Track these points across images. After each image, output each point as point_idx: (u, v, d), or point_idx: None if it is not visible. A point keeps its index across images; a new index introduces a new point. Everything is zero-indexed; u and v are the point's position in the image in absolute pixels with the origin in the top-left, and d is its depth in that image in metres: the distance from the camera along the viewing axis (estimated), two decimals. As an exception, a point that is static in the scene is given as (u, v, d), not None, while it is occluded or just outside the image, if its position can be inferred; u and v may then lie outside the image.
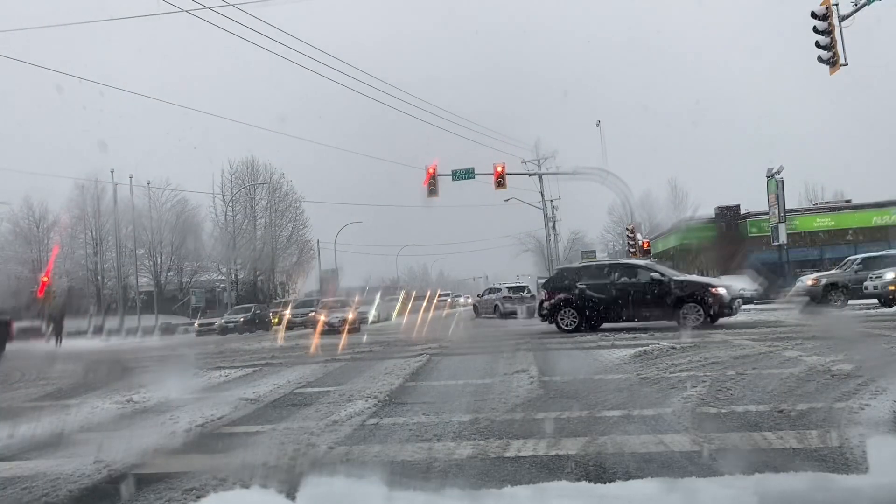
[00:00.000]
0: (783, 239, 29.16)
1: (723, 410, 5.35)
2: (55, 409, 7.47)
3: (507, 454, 4.34)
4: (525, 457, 4.26)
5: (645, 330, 14.45)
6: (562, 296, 15.68)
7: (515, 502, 2.45)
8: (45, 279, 36.42)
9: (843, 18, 14.49)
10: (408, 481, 3.83)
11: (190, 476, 4.22)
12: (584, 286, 15.45)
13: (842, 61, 14.54)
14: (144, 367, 12.65)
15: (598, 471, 3.84)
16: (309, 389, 8.14)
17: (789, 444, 4.18)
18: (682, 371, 7.57)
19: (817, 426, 4.65)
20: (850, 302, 19.93)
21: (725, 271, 31.35)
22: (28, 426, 6.35)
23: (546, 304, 16.02)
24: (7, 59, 23.58)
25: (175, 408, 7.21)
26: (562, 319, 15.61)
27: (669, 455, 4.08)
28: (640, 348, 9.98)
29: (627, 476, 3.54)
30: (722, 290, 14.51)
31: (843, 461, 3.73)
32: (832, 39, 14.64)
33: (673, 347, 9.79)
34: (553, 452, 4.31)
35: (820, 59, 14.91)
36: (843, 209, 37.14)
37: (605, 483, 3.22)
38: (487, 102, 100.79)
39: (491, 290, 35.27)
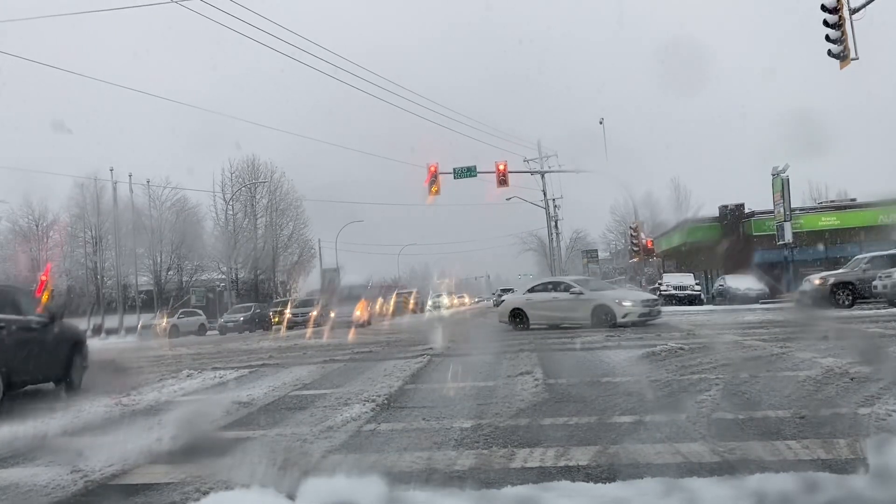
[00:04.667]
0: (789, 238, 28.87)
1: (740, 416, 5.05)
2: (41, 412, 7.20)
3: (513, 465, 4.05)
4: (532, 468, 3.97)
5: (651, 329, 14.17)
6: None
7: (514, 500, 2.26)
8: (44, 278, 36.20)
9: (853, 11, 14.17)
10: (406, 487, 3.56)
11: (171, 487, 3.94)
12: None
13: (853, 55, 14.22)
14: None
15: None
16: (305, 392, 7.85)
17: (817, 455, 3.88)
18: (692, 373, 7.26)
19: (844, 434, 4.35)
20: (859, 301, 19.61)
21: (730, 270, 31.09)
22: (9, 430, 6.08)
23: None
24: (5, 55, 23.28)
25: (165, 411, 6.94)
26: None
27: (688, 466, 3.78)
28: (648, 349, 9.69)
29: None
30: None
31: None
32: (843, 33, 14.33)
33: (681, 348, 9.49)
34: (562, 463, 4.02)
35: (830, 53, 14.60)
36: (848, 208, 36.81)
37: (605, 483, 3.00)
38: (490, 101, 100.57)
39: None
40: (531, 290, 18.49)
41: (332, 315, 22.61)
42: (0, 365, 8.08)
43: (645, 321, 15.89)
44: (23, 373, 8.72)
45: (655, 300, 17.88)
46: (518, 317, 17.66)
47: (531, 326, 17.19)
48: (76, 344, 10.32)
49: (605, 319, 15.66)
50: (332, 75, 76.69)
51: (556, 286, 17.89)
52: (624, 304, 15.99)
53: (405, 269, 78.15)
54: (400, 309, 39.31)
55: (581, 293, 16.75)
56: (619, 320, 15.51)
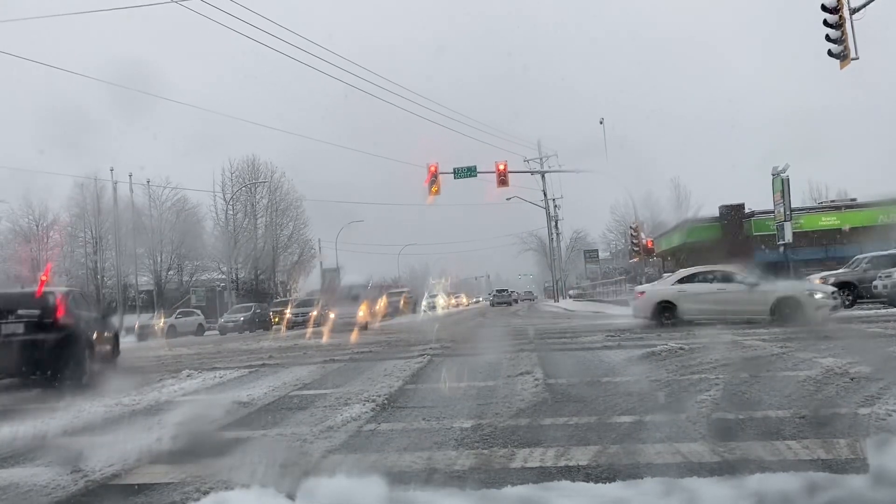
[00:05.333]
0: (789, 238, 28.80)
1: (740, 416, 5.06)
2: (41, 412, 7.20)
3: (513, 465, 4.05)
4: (532, 468, 3.98)
5: (651, 329, 14.18)
6: None
7: (514, 500, 2.28)
8: (45, 278, 36.17)
9: (853, 11, 14.17)
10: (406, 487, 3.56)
11: (172, 487, 3.95)
12: None
13: (853, 55, 14.22)
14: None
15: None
16: (305, 392, 7.85)
17: (817, 455, 3.89)
18: (692, 373, 7.26)
19: (844, 434, 4.35)
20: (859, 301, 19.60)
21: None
22: (10, 430, 6.08)
23: None
24: (5, 55, 23.31)
25: (165, 411, 6.94)
26: None
27: (688, 466, 3.79)
28: (648, 349, 9.68)
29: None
30: None
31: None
32: (843, 33, 14.32)
33: (682, 348, 9.48)
34: (562, 463, 4.02)
35: (830, 53, 14.60)
36: (848, 208, 36.78)
37: (605, 483, 3.02)
38: (491, 101, 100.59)
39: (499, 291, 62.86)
40: (683, 280, 16.37)
41: (333, 316, 22.30)
42: (89, 350, 11.07)
43: (834, 316, 14.54)
44: (96, 355, 11.60)
45: (839, 291, 16.48)
46: (666, 311, 15.55)
47: (683, 321, 15.10)
48: (115, 335, 13.81)
49: (791, 314, 13.89)
50: (333, 75, 76.65)
51: (720, 276, 15.73)
52: (817, 296, 14.51)
53: (405, 268, 78.15)
54: (391, 310, 38.65)
55: (756, 284, 14.86)
56: (811, 315, 13.88)
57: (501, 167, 31.09)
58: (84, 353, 10.77)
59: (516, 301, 63.64)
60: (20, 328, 10.32)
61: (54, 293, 11.06)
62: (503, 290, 64.80)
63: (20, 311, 10.57)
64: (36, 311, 10.58)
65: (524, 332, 17.27)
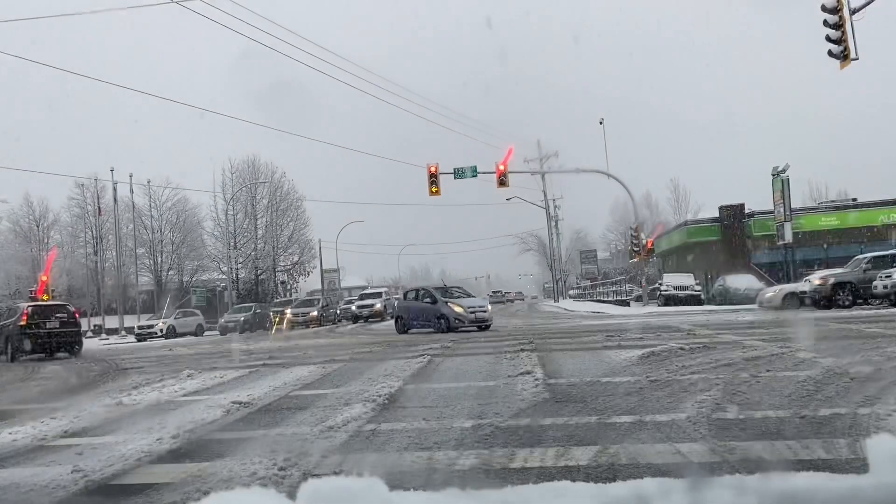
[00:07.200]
0: (789, 238, 28.83)
1: (740, 416, 5.05)
2: (41, 412, 7.20)
3: (513, 465, 4.05)
4: (532, 468, 3.97)
5: (651, 330, 14.17)
6: None
7: (515, 500, 2.27)
8: (45, 278, 36.22)
9: (854, 12, 14.15)
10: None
11: (172, 488, 3.94)
12: None
13: (853, 55, 14.20)
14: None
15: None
16: (305, 392, 7.85)
17: (817, 455, 3.89)
18: (693, 373, 7.26)
19: (844, 434, 4.35)
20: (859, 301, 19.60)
21: (730, 271, 31.11)
22: (10, 430, 6.08)
23: None
24: (7, 56, 23.32)
25: (166, 411, 6.94)
26: None
27: (688, 466, 3.78)
28: (648, 349, 9.68)
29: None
30: None
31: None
32: (843, 33, 14.31)
33: (682, 348, 9.49)
34: (562, 463, 4.02)
35: (830, 53, 14.58)
36: (849, 208, 36.76)
37: (605, 482, 3.02)
38: (491, 101, 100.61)
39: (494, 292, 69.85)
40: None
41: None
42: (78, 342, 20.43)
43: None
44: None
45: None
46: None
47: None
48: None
49: None
50: (333, 76, 76.69)
51: None
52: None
53: (405, 268, 78.24)
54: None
55: None
56: None
57: (502, 167, 31.02)
58: (82, 338, 21.18)
59: (511, 301, 73.46)
60: (56, 324, 19.24)
61: (70, 305, 21.72)
62: (497, 292, 79.04)
63: (56, 315, 19.43)
64: (64, 314, 19.72)
65: (524, 331, 17.27)
